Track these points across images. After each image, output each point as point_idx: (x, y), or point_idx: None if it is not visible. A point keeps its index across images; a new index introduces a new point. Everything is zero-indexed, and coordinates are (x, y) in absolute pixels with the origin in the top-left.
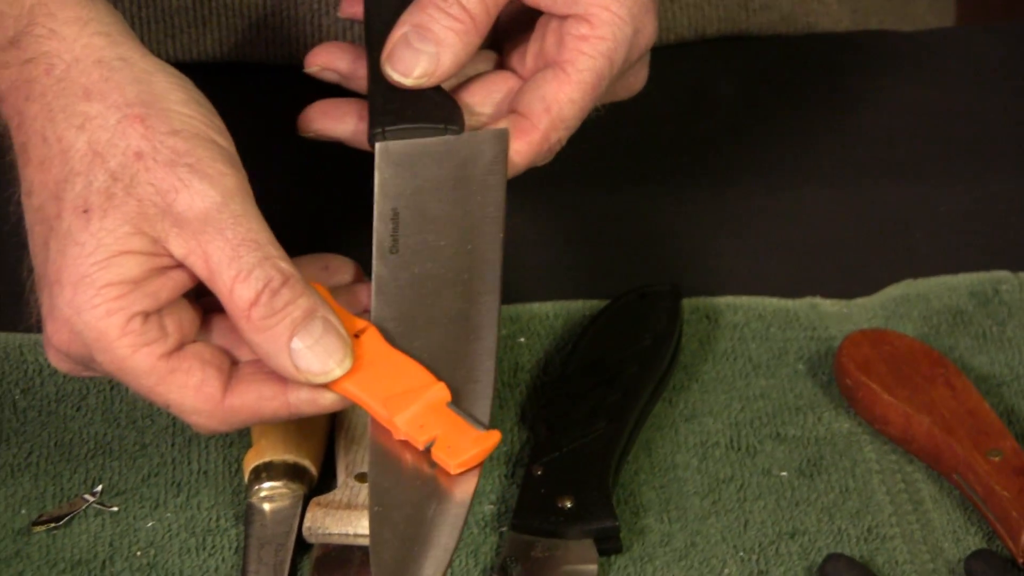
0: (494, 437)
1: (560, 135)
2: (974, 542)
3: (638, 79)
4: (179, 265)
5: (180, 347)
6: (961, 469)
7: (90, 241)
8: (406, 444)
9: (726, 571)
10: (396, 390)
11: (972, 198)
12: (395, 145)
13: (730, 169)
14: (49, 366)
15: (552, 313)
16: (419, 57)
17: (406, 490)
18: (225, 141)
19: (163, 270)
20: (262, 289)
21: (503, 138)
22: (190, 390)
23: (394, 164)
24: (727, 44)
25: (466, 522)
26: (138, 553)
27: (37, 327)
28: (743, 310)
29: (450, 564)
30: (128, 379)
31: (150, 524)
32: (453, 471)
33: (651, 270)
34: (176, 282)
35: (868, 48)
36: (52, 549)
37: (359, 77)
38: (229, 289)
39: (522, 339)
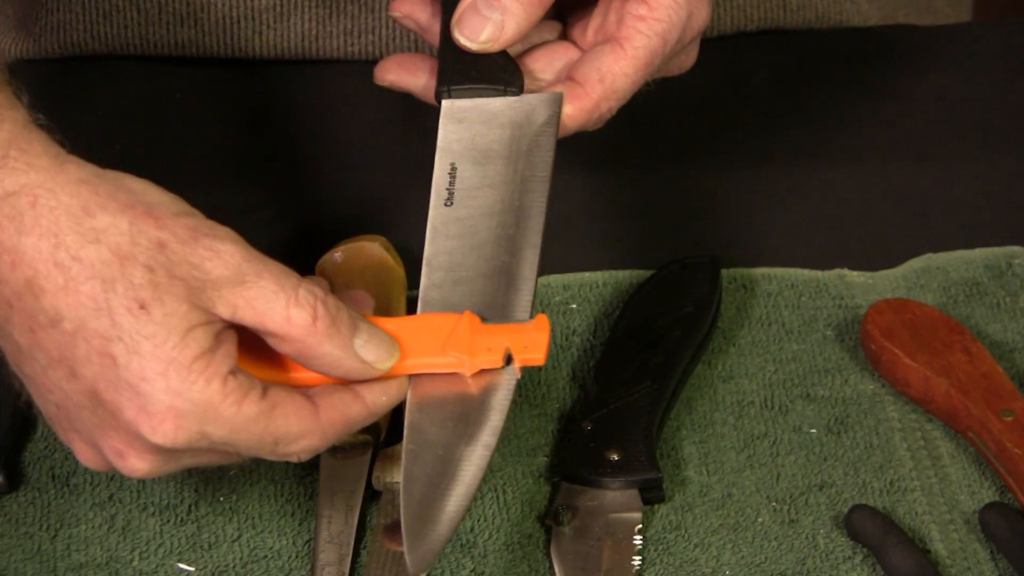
0: (544, 320)
1: (611, 105)
2: (988, 495)
3: (689, 58)
4: (229, 325)
5: (265, 390)
6: (976, 428)
7: (160, 331)
8: (442, 384)
9: (759, 520)
10: (440, 341)
11: (987, 179)
12: (459, 103)
13: (766, 151)
14: None
15: (602, 282)
16: (485, 23)
17: (438, 431)
18: (197, 211)
19: (221, 333)
20: (315, 304)
21: (557, 101)
22: (293, 416)
23: (456, 121)
24: (764, 37)
25: (489, 465)
26: (221, 499)
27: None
28: (777, 280)
29: (471, 501)
30: (242, 436)
31: (232, 472)
32: (543, 362)
33: (693, 243)
34: (232, 342)
35: (892, 41)
36: (143, 494)
37: (436, 31)
38: (286, 317)
39: (574, 305)
